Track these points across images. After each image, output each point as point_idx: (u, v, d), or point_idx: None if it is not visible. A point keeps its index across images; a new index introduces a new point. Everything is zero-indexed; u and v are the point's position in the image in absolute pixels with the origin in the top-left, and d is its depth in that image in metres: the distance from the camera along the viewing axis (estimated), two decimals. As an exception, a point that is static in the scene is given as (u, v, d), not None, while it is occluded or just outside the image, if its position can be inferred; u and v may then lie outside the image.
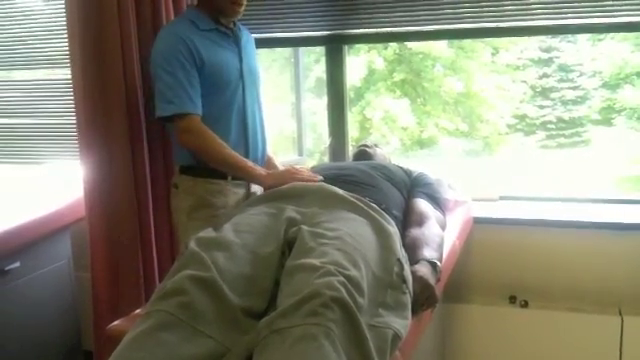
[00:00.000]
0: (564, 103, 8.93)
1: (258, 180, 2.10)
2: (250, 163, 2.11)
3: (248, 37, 2.28)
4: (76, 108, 2.44)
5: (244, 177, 2.14)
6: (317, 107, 4.33)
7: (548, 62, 8.91)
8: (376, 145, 2.45)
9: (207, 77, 2.07)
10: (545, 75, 8.95)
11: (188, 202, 2.15)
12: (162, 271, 2.47)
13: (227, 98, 2.13)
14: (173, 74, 2.03)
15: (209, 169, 2.12)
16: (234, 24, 2.19)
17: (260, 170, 2.11)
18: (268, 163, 2.32)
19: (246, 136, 2.18)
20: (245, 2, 2.11)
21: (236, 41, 2.17)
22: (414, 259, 1.62)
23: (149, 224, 2.44)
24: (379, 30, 2.49)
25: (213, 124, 2.08)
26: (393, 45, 7.09)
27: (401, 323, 1.36)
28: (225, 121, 2.12)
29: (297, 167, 2.07)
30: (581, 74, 8.90)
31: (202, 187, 2.14)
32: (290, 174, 1.99)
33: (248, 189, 2.20)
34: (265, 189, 2.03)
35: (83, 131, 2.40)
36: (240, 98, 2.15)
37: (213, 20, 2.12)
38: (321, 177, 1.96)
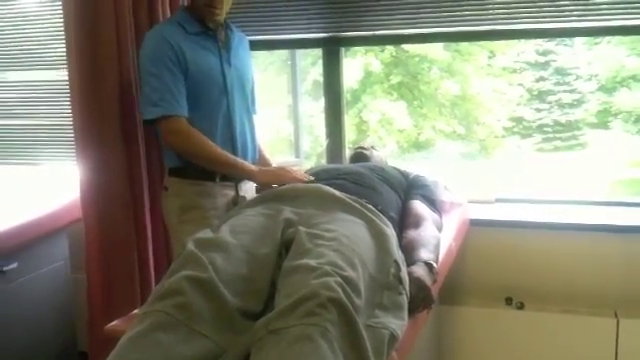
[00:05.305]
0: (560, 106, 8.94)
1: (250, 176, 2.10)
2: (240, 160, 2.11)
3: (240, 40, 2.26)
4: (72, 110, 2.45)
5: (236, 175, 2.13)
6: (314, 110, 4.33)
7: (545, 65, 8.91)
8: (373, 147, 2.46)
9: (191, 81, 2.05)
10: (542, 78, 8.95)
11: (177, 204, 2.14)
12: (157, 272, 2.47)
13: (212, 103, 2.11)
14: (159, 77, 2.01)
15: (197, 171, 2.10)
16: (225, 26, 2.17)
17: (251, 167, 2.11)
18: (261, 160, 2.32)
19: (233, 142, 2.15)
20: (223, 5, 2.06)
21: (225, 45, 2.15)
22: (410, 260, 1.63)
23: (145, 225, 2.44)
24: (376, 32, 2.50)
25: (198, 129, 2.06)
26: (390, 48, 7.08)
27: (397, 324, 1.36)
28: (211, 126, 2.10)
29: (288, 167, 2.09)
30: (577, 77, 8.91)
31: (190, 189, 2.13)
32: (282, 171, 2.02)
33: (237, 191, 2.19)
34: (259, 184, 2.04)
35: (79, 133, 2.41)
36: (225, 103, 2.13)
37: (200, 23, 2.11)
38: (311, 177, 1.97)
